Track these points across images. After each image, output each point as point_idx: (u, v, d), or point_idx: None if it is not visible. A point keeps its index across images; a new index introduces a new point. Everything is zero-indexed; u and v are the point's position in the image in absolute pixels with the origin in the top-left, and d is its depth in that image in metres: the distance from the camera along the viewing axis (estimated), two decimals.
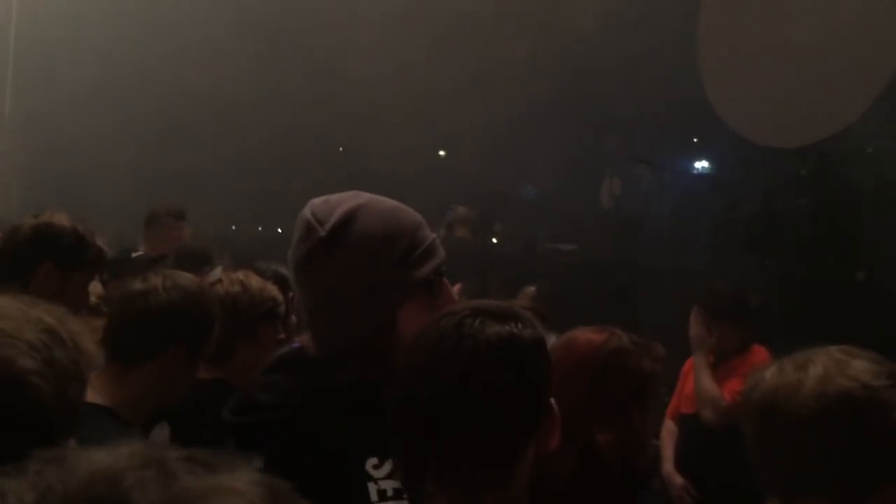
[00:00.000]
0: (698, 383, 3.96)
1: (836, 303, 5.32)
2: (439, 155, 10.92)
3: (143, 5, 9.69)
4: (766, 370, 1.52)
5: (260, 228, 10.25)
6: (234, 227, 10.16)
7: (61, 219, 2.50)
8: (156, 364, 1.98)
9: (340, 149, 10.95)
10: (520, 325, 1.27)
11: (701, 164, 8.44)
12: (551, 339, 3.97)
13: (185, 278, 2.10)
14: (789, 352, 1.55)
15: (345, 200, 1.54)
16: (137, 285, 2.06)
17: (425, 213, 1.64)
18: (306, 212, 1.53)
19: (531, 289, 5.16)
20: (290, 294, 2.67)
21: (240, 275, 2.45)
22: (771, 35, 6.64)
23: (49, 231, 2.46)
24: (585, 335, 2.01)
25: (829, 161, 6.24)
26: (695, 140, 8.57)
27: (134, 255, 4.77)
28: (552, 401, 1.30)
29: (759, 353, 3.96)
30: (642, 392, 2.05)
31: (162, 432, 2.20)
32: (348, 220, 1.49)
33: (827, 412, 1.39)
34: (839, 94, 6.18)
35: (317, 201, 1.55)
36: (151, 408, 2.02)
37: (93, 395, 1.91)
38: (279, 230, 8.72)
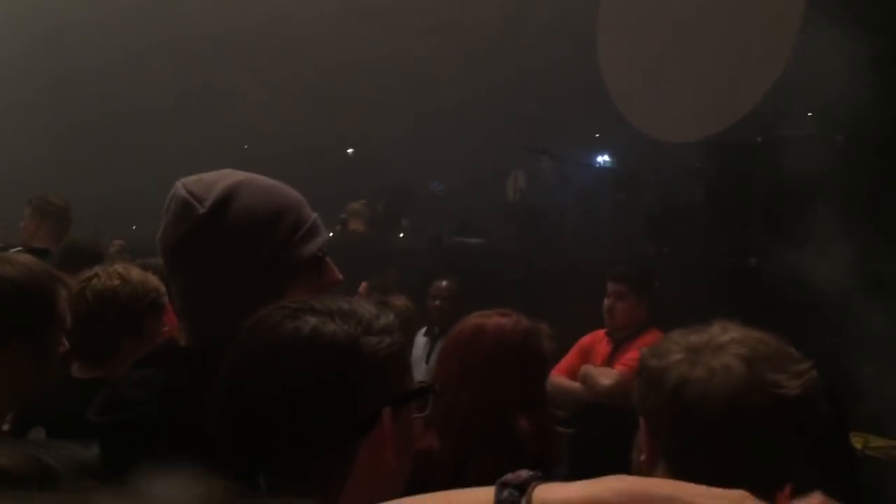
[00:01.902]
0: (585, 371, 4.10)
1: (730, 288, 5.50)
2: (347, 152, 10.84)
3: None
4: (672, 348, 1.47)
5: (134, 227, 9.93)
6: (134, 227, 9.81)
7: None
8: None
9: (245, 146, 10.74)
10: (332, 321, 1.11)
11: (602, 158, 8.62)
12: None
13: (7, 265, 1.85)
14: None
15: (222, 178, 1.43)
16: None
17: (334, 209, 1.57)
18: (180, 190, 1.41)
19: (444, 283, 5.18)
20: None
21: (118, 267, 2.32)
22: (666, 32, 6.82)
23: None
24: (492, 321, 2.00)
25: (721, 153, 6.45)
26: (596, 135, 8.75)
27: (13, 250, 4.53)
28: (385, 410, 1.12)
29: (656, 336, 4.07)
30: (546, 373, 2.07)
31: (38, 437, 2.08)
32: (230, 196, 1.39)
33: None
34: (730, 89, 6.39)
35: (190, 179, 1.44)
36: (11, 409, 1.86)
37: None
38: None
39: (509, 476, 0.86)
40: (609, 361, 4.21)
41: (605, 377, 3.99)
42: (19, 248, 4.68)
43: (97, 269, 2.35)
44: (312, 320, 1.10)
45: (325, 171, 8.66)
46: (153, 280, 2.34)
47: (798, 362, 1.41)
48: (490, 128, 8.44)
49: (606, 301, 4.24)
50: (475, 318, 2.03)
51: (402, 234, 8.29)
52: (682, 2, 6.73)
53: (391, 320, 1.17)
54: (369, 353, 1.11)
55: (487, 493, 0.87)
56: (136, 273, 2.31)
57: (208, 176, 1.45)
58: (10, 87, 9.20)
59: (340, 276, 1.52)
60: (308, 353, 1.08)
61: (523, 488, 0.84)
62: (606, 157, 8.62)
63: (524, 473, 0.86)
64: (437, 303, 5.11)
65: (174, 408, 1.31)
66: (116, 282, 2.26)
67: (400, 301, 4.33)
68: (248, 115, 9.54)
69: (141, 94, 9.43)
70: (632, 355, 3.89)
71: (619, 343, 4.24)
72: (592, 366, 4.19)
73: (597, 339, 4.39)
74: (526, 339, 1.96)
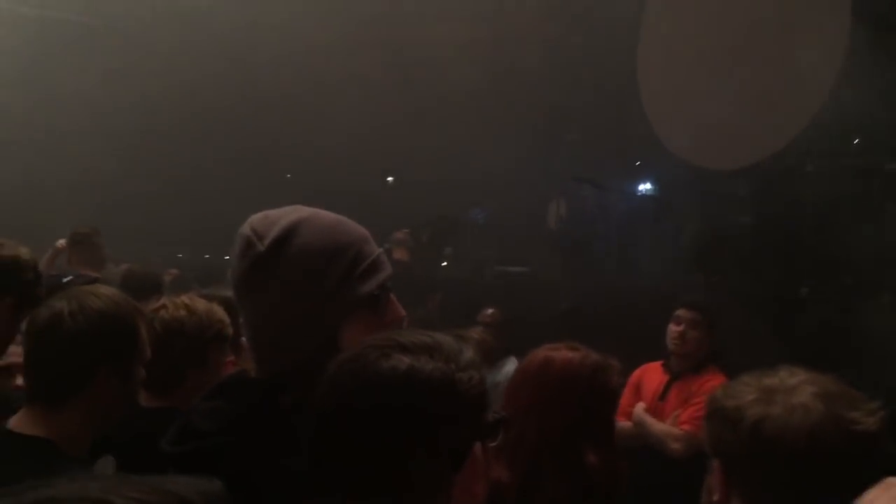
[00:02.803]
0: (648, 430, 4.04)
1: (783, 317, 5.43)
2: (387, 181, 10.92)
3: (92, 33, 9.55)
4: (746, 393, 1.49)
5: (207, 256, 10.08)
6: (180, 255, 9.97)
7: (24, 252, 2.34)
8: (84, 395, 1.85)
9: (288, 175, 10.88)
10: (425, 359, 1.13)
11: (644, 186, 8.59)
12: (511, 364, 3.98)
13: (94, 297, 1.91)
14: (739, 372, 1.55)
15: (285, 215, 1.47)
16: (43, 314, 1.90)
17: (375, 239, 1.58)
18: (245, 227, 1.46)
19: (489, 311, 5.19)
20: (241, 319, 2.61)
21: (185, 298, 2.36)
22: (708, 58, 6.80)
23: (14, 265, 2.30)
24: (560, 354, 2.01)
25: (768, 180, 6.39)
26: (637, 163, 8.72)
27: (65, 279, 4.65)
28: (476, 445, 1.15)
29: (716, 376, 4.03)
30: (616, 409, 2.07)
31: (107, 465, 2.11)
32: (289, 234, 1.43)
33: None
34: (775, 116, 6.35)
35: (256, 216, 1.48)
36: (92, 437, 1.90)
37: (30, 428, 1.83)
38: (226, 257, 8.59)
39: None
40: (664, 394, 4.16)
41: (675, 441, 3.89)
42: (70, 278, 4.86)
43: (164, 300, 2.39)
44: (406, 359, 1.12)
45: (366, 199, 8.74)
46: (218, 311, 2.37)
47: (867, 401, 1.45)
48: (532, 156, 8.47)
49: (676, 328, 4.18)
50: (544, 351, 2.04)
51: (445, 263, 8.33)
52: (724, 27, 6.72)
53: (473, 354, 1.19)
54: (464, 389, 1.13)
55: None
56: (201, 304, 2.35)
57: (274, 213, 1.49)
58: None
59: (403, 313, 1.54)
60: (407, 391, 1.10)
61: None
62: (648, 185, 8.59)
63: None
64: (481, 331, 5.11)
65: (243, 438, 1.35)
66: (183, 313, 2.30)
67: (476, 334, 4.32)
68: (287, 142, 9.69)
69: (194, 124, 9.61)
70: (695, 412, 3.83)
71: (677, 375, 4.18)
72: (644, 411, 4.14)
73: (646, 372, 4.34)
74: (594, 374, 1.96)
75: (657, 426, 4.03)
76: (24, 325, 2.49)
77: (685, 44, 7.04)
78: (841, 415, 1.41)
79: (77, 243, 4.91)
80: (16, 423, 1.86)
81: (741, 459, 1.46)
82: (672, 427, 3.98)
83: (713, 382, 3.83)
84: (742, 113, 6.58)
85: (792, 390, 1.45)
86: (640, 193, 8.59)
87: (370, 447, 1.10)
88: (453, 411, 1.12)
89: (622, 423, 4.01)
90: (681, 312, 4.21)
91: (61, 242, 4.92)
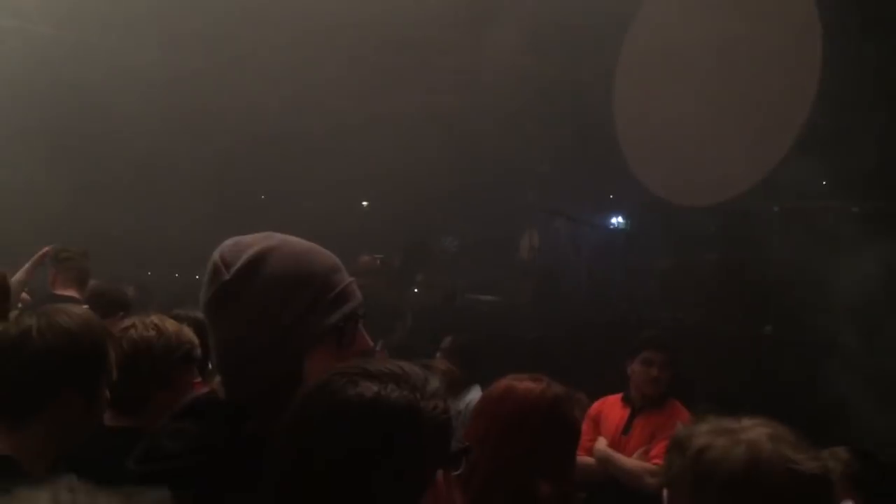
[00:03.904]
0: (619, 464, 4.04)
1: (744, 355, 5.50)
2: (362, 205, 10.94)
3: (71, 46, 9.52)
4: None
5: (177, 275, 10.01)
6: (149, 273, 9.89)
7: None
8: (48, 414, 1.84)
9: (262, 196, 10.85)
10: (391, 387, 1.15)
11: (616, 220, 8.69)
12: (475, 392, 3.99)
13: (64, 315, 1.90)
14: (702, 408, 1.60)
15: (255, 242, 1.48)
16: (11, 330, 1.87)
17: (346, 264, 1.59)
18: (216, 253, 1.47)
19: (448, 338, 5.19)
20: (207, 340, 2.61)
21: (154, 318, 2.35)
22: (682, 97, 6.93)
23: None
24: (523, 384, 2.02)
25: (736, 218, 6.50)
26: (610, 196, 8.83)
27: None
28: (439, 472, 1.17)
29: (679, 410, 4.06)
30: (575, 442, 2.07)
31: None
32: (255, 263, 1.44)
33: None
34: (746, 156, 6.47)
35: (227, 243, 1.49)
36: (54, 455, 1.87)
37: None
38: (196, 276, 8.55)
39: None
40: (627, 429, 4.17)
41: (651, 476, 3.87)
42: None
43: (134, 319, 2.38)
44: (374, 386, 1.14)
45: (342, 221, 8.74)
46: (187, 333, 2.37)
47: (817, 451, 1.50)
48: (504, 186, 8.53)
49: (648, 369, 4.17)
50: (507, 380, 2.05)
51: (416, 290, 8.34)
52: (698, 66, 6.84)
53: (439, 384, 1.22)
54: (427, 417, 1.15)
55: None
56: (171, 325, 2.34)
57: (245, 240, 1.50)
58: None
59: (370, 344, 1.56)
60: (372, 418, 1.12)
61: None
62: (620, 219, 8.68)
63: None
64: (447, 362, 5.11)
65: (207, 459, 1.37)
66: (152, 333, 2.29)
67: (442, 364, 4.33)
68: (262, 164, 9.69)
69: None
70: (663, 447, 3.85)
71: (639, 410, 4.19)
72: (607, 446, 4.14)
73: (605, 405, 4.34)
74: (553, 406, 1.97)
75: (628, 462, 4.02)
76: None
77: (661, 80, 7.16)
78: (784, 454, 1.45)
79: (62, 262, 4.84)
80: None
81: (683, 484, 1.50)
82: (644, 462, 3.98)
83: (681, 417, 3.86)
84: (714, 151, 6.70)
85: (745, 429, 1.49)
86: (611, 226, 8.68)
87: (335, 472, 1.12)
88: (417, 439, 1.14)
89: (583, 459, 4.01)
90: (650, 354, 4.20)
91: (47, 249, 4.83)
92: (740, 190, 6.51)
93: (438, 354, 5.11)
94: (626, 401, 4.26)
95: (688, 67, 6.93)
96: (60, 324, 1.86)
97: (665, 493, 1.57)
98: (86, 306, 2.98)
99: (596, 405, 4.32)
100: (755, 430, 1.49)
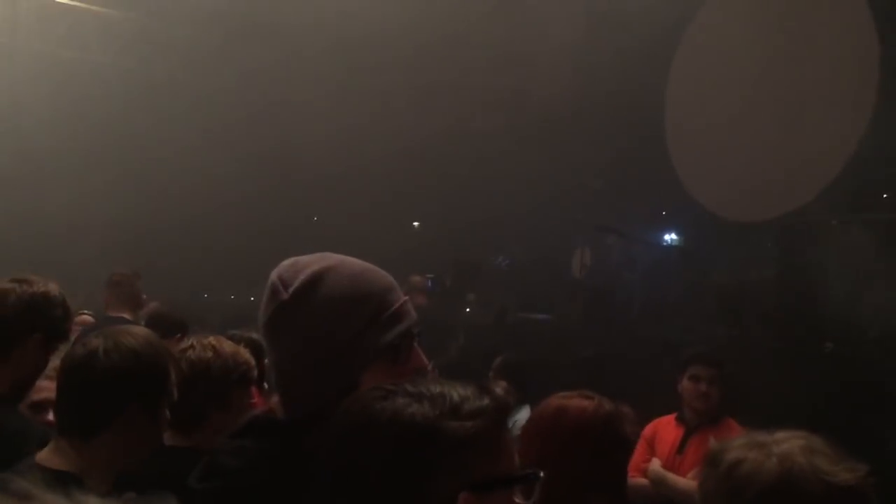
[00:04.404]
0: (672, 485, 3.99)
1: (805, 373, 5.37)
2: (413, 226, 11.00)
3: (131, 74, 9.80)
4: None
5: (232, 297, 10.17)
6: (206, 296, 10.07)
7: (53, 288, 2.40)
8: (112, 431, 1.90)
9: (315, 218, 10.99)
10: (413, 405, 1.13)
11: (670, 236, 8.58)
12: (524, 412, 3.99)
13: (129, 336, 1.97)
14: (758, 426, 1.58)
15: (312, 263, 1.51)
16: (79, 351, 1.95)
17: (399, 284, 1.61)
18: (274, 274, 1.51)
19: (499, 358, 5.18)
20: (265, 360, 2.65)
21: (212, 340, 2.40)
22: (735, 110, 6.84)
23: (45, 301, 2.36)
24: (574, 402, 2.02)
25: (793, 233, 6.37)
26: (663, 213, 8.73)
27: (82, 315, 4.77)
28: (462, 496, 1.13)
29: (734, 429, 3.99)
30: (628, 458, 2.07)
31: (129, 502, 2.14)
32: (313, 283, 1.47)
33: None
34: (801, 170, 6.36)
35: (285, 263, 1.53)
36: (117, 473, 1.93)
37: (57, 462, 1.87)
38: (251, 298, 8.69)
39: None
40: (682, 448, 4.12)
41: None
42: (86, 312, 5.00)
43: (192, 339, 2.44)
44: (399, 402, 1.14)
45: (393, 242, 8.80)
46: (244, 354, 2.41)
47: (856, 463, 1.46)
48: (557, 204, 8.51)
49: (697, 385, 4.14)
50: (557, 400, 2.04)
51: (468, 309, 8.34)
52: (752, 79, 6.76)
53: (483, 404, 1.19)
54: (447, 436, 1.12)
55: None
56: (228, 346, 2.39)
57: (303, 260, 1.53)
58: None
59: (426, 362, 1.57)
60: (385, 433, 1.12)
61: None
62: (674, 236, 8.58)
63: None
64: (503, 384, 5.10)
65: (266, 476, 1.40)
66: (210, 354, 2.34)
67: (501, 385, 4.34)
68: (317, 187, 9.81)
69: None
70: None
71: (694, 429, 4.14)
72: (661, 466, 4.10)
73: (660, 426, 4.29)
74: (606, 423, 1.96)
75: (682, 482, 3.96)
76: (57, 361, 2.56)
77: (714, 94, 7.09)
78: (818, 466, 1.43)
79: (115, 285, 5.02)
80: (43, 456, 1.90)
81: (717, 498, 1.50)
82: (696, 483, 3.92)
83: (735, 435, 3.79)
84: (769, 165, 6.59)
85: (778, 442, 1.48)
86: (665, 243, 8.58)
87: (353, 485, 1.13)
88: (432, 457, 1.12)
89: (637, 480, 3.96)
90: (698, 371, 4.16)
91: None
92: (797, 204, 6.39)
93: (490, 374, 5.10)
94: (681, 420, 4.21)
95: (742, 80, 6.85)
96: (125, 344, 1.93)
97: None
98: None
99: (650, 426, 4.27)
100: (788, 443, 1.47)
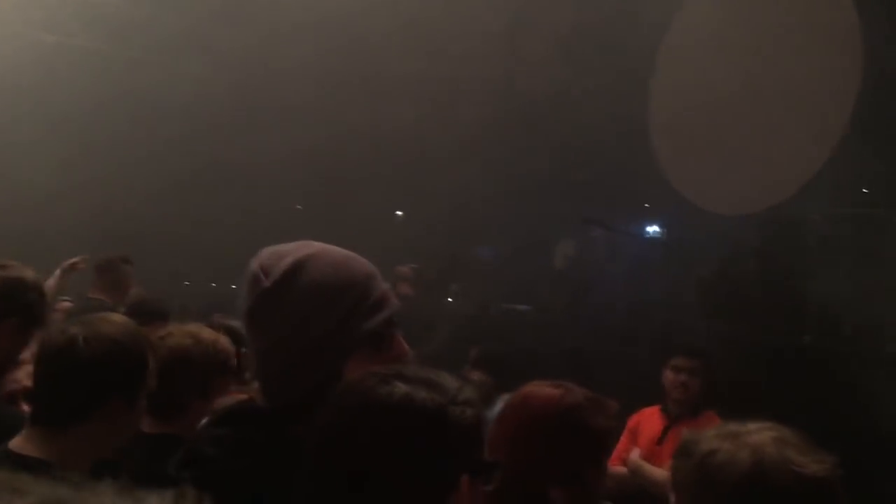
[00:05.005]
0: (648, 477, 4.03)
1: (784, 366, 5.42)
2: (396, 215, 10.98)
3: (109, 58, 9.70)
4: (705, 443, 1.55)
5: (213, 284, 10.12)
6: (186, 283, 10.02)
7: (29, 273, 2.39)
8: (90, 420, 1.88)
9: (298, 206, 10.95)
10: (421, 389, 1.18)
11: (653, 229, 8.61)
12: (500, 403, 3.98)
13: (109, 324, 1.95)
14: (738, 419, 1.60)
15: (294, 251, 1.51)
16: (56, 338, 1.93)
17: (382, 273, 1.60)
18: (254, 262, 1.51)
19: (475, 349, 5.19)
20: (243, 349, 2.64)
21: (191, 327, 2.39)
22: (720, 105, 6.87)
23: (20, 285, 2.34)
24: (543, 390, 2.01)
25: (776, 227, 6.41)
26: (646, 205, 8.75)
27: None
28: (464, 478, 1.19)
29: (714, 421, 4.02)
30: (597, 449, 2.04)
31: None
32: (294, 271, 1.47)
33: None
34: (785, 163, 6.38)
35: (266, 251, 1.53)
36: (90, 462, 1.90)
37: (31, 450, 1.86)
38: (233, 286, 8.64)
39: None
40: (661, 440, 4.15)
41: None
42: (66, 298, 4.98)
43: (171, 327, 2.42)
44: (404, 387, 1.16)
45: (373, 233, 8.78)
46: (223, 342, 2.40)
47: (824, 453, 1.49)
48: (539, 195, 8.51)
49: (677, 376, 4.19)
50: (529, 387, 2.04)
51: (450, 300, 8.34)
52: (734, 72, 6.77)
53: (472, 393, 1.23)
54: (454, 422, 1.17)
55: None
56: (207, 334, 2.38)
57: (284, 248, 1.53)
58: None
59: (408, 350, 1.58)
60: (399, 417, 1.15)
61: None
62: (656, 228, 8.60)
63: None
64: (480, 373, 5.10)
65: (249, 464, 1.39)
66: (189, 342, 2.33)
67: (477, 375, 4.36)
68: (298, 175, 9.78)
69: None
70: None
71: (675, 420, 4.18)
72: (641, 456, 4.13)
73: (644, 416, 4.34)
74: (567, 413, 1.94)
75: (657, 473, 4.00)
76: (33, 347, 2.53)
77: (698, 86, 7.10)
78: (789, 457, 1.45)
79: (98, 270, 4.98)
80: (16, 443, 1.88)
81: (689, 487, 1.52)
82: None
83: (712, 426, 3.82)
84: (752, 159, 6.62)
85: (750, 433, 1.50)
86: (648, 236, 8.60)
87: (361, 469, 1.14)
88: (442, 442, 1.16)
89: (616, 469, 4.00)
90: (679, 361, 4.22)
91: (73, 261, 4.97)
92: (780, 198, 6.42)
93: (468, 365, 5.11)
94: (664, 412, 4.25)
95: (726, 73, 6.86)
96: (107, 333, 1.90)
97: (672, 497, 1.58)
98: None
99: (635, 417, 4.33)
100: (760, 434, 1.49)
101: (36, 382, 1.97)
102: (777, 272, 6.20)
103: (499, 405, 4.33)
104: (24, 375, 2.40)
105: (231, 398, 1.87)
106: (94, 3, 9.72)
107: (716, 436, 1.53)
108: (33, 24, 9.64)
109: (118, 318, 2.03)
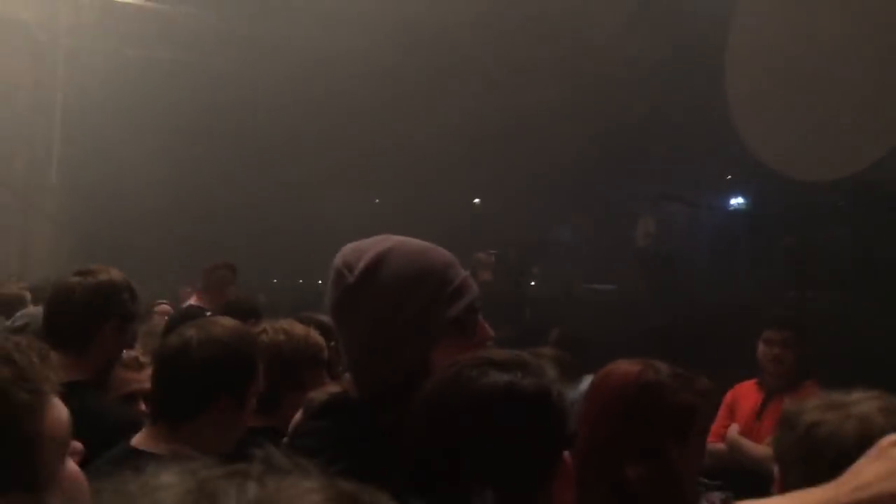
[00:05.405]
0: (746, 453, 3.95)
1: (885, 335, 5.23)
2: (474, 203, 11.01)
3: (192, 70, 10.01)
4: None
5: (301, 281, 10.37)
6: (275, 281, 10.28)
7: (116, 274, 2.51)
8: (202, 419, 1.99)
9: (377, 200, 11.09)
10: (520, 375, 1.22)
11: (736, 201, 8.41)
12: (586, 382, 3.98)
13: (220, 328, 2.06)
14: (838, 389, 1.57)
15: (374, 245, 1.56)
16: (173, 341, 2.05)
17: (463, 262, 1.65)
18: (337, 259, 1.57)
19: (555, 331, 5.17)
20: (332, 342, 2.71)
21: (283, 323, 2.48)
22: (800, 69, 6.65)
23: (111, 288, 2.46)
24: (623, 367, 2.01)
25: (865, 191, 6.19)
26: (728, 177, 8.55)
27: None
28: (566, 454, 1.24)
29: (815, 392, 3.91)
30: (680, 426, 2.01)
31: None
32: (376, 264, 1.52)
33: None
34: (870, 127, 6.16)
35: (347, 248, 1.59)
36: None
37: (153, 446, 1.97)
38: (319, 282, 8.84)
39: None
40: (760, 414, 4.07)
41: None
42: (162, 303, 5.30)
43: (265, 324, 2.52)
44: (505, 376, 1.21)
45: (455, 220, 8.83)
46: (314, 336, 2.49)
47: None
48: (619, 172, 8.42)
49: (770, 349, 4.09)
50: (613, 364, 2.04)
51: (532, 283, 8.34)
52: (817, 33, 6.55)
53: (555, 371, 1.28)
54: (556, 401, 1.23)
55: None
56: (299, 329, 2.47)
57: (365, 243, 1.59)
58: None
59: (491, 333, 1.62)
60: (509, 405, 1.20)
61: None
62: (740, 200, 8.40)
63: (715, 499, 0.94)
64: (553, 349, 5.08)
65: (349, 456, 1.44)
66: (282, 337, 2.43)
67: (550, 351, 4.34)
68: (378, 163, 9.90)
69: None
70: None
71: (773, 393, 4.08)
72: (739, 432, 4.05)
73: (741, 391, 4.24)
74: (647, 387, 1.92)
75: (755, 448, 3.91)
76: (133, 352, 2.68)
77: (775, 51, 6.90)
78: None
79: (204, 275, 5.37)
80: (138, 441, 2.00)
81: (794, 461, 1.49)
82: (770, 449, 3.85)
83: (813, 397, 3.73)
84: (837, 121, 6.40)
85: (855, 403, 1.47)
86: (731, 208, 8.41)
87: (476, 459, 1.19)
88: (549, 423, 1.21)
89: (714, 445, 3.92)
90: (770, 334, 4.11)
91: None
92: (867, 162, 6.19)
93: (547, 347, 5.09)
94: (761, 385, 4.16)
95: (806, 34, 6.65)
96: (218, 335, 2.02)
97: (776, 470, 1.55)
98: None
99: (731, 392, 4.23)
100: (866, 404, 1.45)
101: (154, 382, 2.10)
102: (866, 238, 5.99)
103: (584, 384, 4.34)
104: (136, 376, 2.55)
105: (323, 390, 1.94)
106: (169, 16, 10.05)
107: (819, 406, 1.50)
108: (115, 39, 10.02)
109: (229, 321, 2.14)
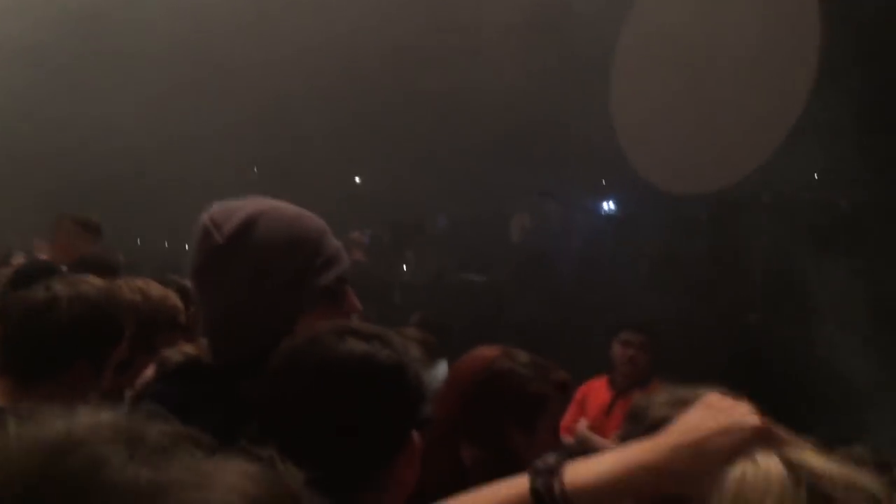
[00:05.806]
0: (594, 445, 4.09)
1: (729, 343, 5.54)
2: (355, 181, 10.93)
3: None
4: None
5: (166, 244, 9.99)
6: (138, 242, 9.87)
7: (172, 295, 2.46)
8: (58, 380, 1.88)
9: (255, 169, 10.83)
10: (379, 347, 1.20)
11: (607, 205, 8.69)
12: (442, 366, 4.03)
13: (91, 287, 1.96)
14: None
15: (245, 206, 1.49)
16: (39, 294, 1.92)
17: (339, 240, 1.60)
18: (205, 217, 1.48)
19: (417, 315, 5.19)
20: (192, 309, 2.61)
21: (140, 282, 2.36)
22: (678, 87, 6.93)
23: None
24: (482, 353, 2.02)
25: (726, 207, 6.52)
26: (602, 181, 8.82)
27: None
28: (415, 434, 1.23)
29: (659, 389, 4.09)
30: (527, 414, 2.03)
31: None
32: (248, 226, 1.45)
33: None
34: (739, 145, 6.48)
35: (217, 206, 1.50)
36: None
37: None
38: (186, 246, 8.54)
39: (538, 463, 0.93)
40: (609, 411, 4.23)
41: None
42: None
43: (120, 282, 2.39)
44: (362, 344, 1.19)
45: (331, 198, 8.73)
46: (172, 298, 2.38)
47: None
48: (498, 168, 8.52)
49: (625, 350, 4.27)
50: (475, 350, 2.05)
51: (405, 267, 8.35)
52: (696, 54, 6.83)
53: (416, 350, 1.27)
54: (411, 378, 1.21)
55: (523, 482, 0.96)
56: (156, 290, 2.36)
57: (235, 204, 1.50)
58: None
59: (359, 306, 1.58)
60: (361, 374, 1.17)
61: (554, 472, 0.92)
62: (611, 204, 8.69)
63: (551, 459, 0.94)
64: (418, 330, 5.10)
65: (190, 422, 1.38)
66: (138, 297, 2.30)
67: (414, 332, 4.33)
68: (255, 136, 9.67)
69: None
70: None
71: (622, 391, 4.25)
72: (589, 427, 4.20)
73: (592, 388, 4.41)
74: (496, 373, 1.94)
75: (603, 443, 4.06)
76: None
77: (658, 67, 7.15)
78: None
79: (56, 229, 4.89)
80: None
81: None
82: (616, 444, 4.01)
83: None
84: (708, 140, 6.70)
85: (701, 398, 1.51)
86: (603, 212, 8.68)
87: (321, 424, 1.16)
88: (399, 399, 1.19)
89: (564, 439, 4.05)
90: (629, 336, 4.30)
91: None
92: (733, 179, 6.52)
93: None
94: (611, 383, 4.33)
95: (685, 54, 6.92)
96: (89, 295, 1.91)
97: None
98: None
99: (583, 388, 4.40)
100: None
101: (8, 332, 1.95)
102: (725, 251, 6.32)
103: (440, 368, 4.39)
104: None
105: (177, 350, 1.85)
106: None
107: (666, 402, 1.54)
108: None
109: (98, 281, 2.03)
